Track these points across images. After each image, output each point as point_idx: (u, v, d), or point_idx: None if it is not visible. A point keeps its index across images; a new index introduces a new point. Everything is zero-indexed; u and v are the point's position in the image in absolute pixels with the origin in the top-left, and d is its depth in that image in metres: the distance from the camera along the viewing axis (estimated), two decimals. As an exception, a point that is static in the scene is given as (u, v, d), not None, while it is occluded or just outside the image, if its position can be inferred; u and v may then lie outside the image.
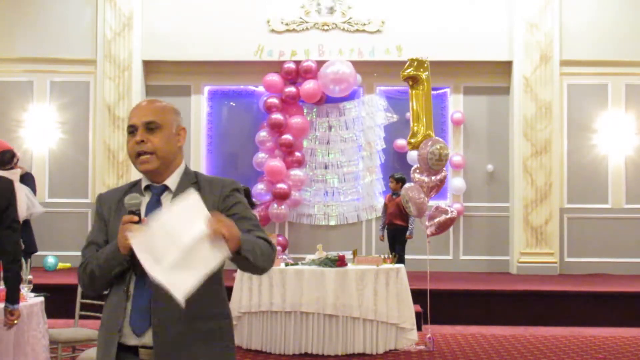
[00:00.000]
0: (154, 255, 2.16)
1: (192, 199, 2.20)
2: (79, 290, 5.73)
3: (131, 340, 2.31)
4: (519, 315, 8.60)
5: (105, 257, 2.32)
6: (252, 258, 2.24)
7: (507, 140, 11.32)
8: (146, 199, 2.42)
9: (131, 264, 2.29)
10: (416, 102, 7.67)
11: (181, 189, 2.40)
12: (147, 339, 2.29)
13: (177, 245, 2.13)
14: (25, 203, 7.86)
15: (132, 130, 2.39)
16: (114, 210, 2.41)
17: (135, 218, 2.26)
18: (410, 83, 7.72)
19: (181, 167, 2.48)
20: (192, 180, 2.45)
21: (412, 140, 7.62)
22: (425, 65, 7.63)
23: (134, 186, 2.48)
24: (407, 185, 7.56)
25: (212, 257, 2.15)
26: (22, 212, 7.67)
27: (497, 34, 11.10)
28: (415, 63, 7.67)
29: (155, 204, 2.39)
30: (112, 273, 2.32)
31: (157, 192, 2.42)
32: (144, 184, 2.45)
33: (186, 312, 2.22)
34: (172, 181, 2.43)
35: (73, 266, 10.42)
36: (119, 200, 2.42)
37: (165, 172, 2.43)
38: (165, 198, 2.41)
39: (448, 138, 11.29)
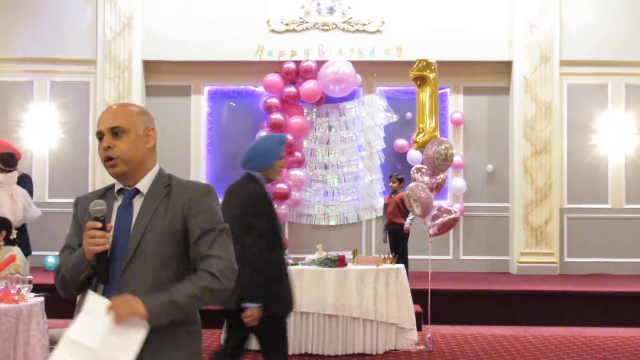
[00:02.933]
0: None
1: (90, 299, 2.26)
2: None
3: None
4: (519, 315, 8.60)
5: (74, 262, 2.34)
6: (181, 315, 2.29)
7: (507, 140, 11.32)
8: (119, 202, 2.43)
9: (95, 271, 2.32)
10: (423, 102, 7.67)
11: (153, 191, 2.42)
12: None
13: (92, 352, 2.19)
14: (23, 205, 7.88)
15: (100, 136, 2.41)
16: (87, 214, 2.39)
17: (99, 224, 2.27)
18: (418, 83, 7.74)
19: (154, 169, 2.49)
20: (164, 183, 2.45)
21: (418, 140, 7.61)
22: (433, 66, 7.66)
23: (109, 190, 2.49)
24: (412, 184, 7.50)
25: (132, 341, 2.20)
26: (19, 216, 7.70)
27: (497, 34, 11.10)
28: (424, 63, 7.70)
29: (126, 207, 2.40)
30: (80, 278, 2.34)
31: (128, 196, 2.42)
32: (116, 187, 2.47)
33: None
34: (143, 184, 2.44)
35: (73, 266, 10.40)
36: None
37: (135, 176, 2.43)
38: (137, 201, 2.41)
39: (448, 138, 11.28)
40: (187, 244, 2.38)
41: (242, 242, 3.82)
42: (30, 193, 8.60)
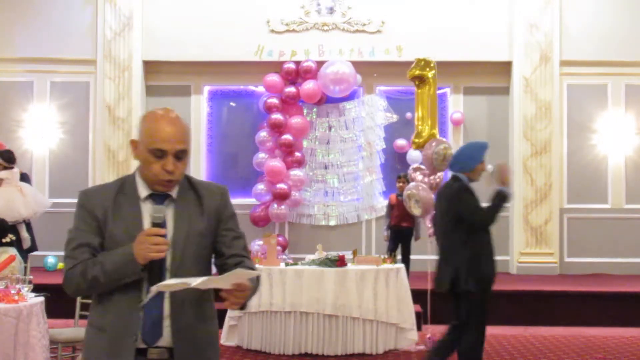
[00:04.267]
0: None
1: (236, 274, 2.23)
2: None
3: (140, 344, 2.31)
4: (519, 315, 8.60)
5: (116, 265, 2.26)
6: (247, 306, 2.39)
7: (507, 140, 11.31)
8: (148, 206, 2.38)
9: (146, 274, 2.28)
10: (422, 101, 7.66)
11: (182, 195, 2.42)
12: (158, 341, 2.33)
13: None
14: (34, 197, 7.82)
15: (160, 154, 2.32)
16: (111, 212, 2.35)
17: (163, 231, 2.25)
18: (417, 83, 7.72)
19: None
20: (187, 186, 2.45)
21: (417, 140, 7.60)
22: (432, 65, 7.64)
23: (121, 186, 2.43)
24: (411, 185, 7.48)
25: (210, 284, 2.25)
26: (33, 209, 7.64)
27: (497, 34, 11.10)
28: (422, 63, 7.67)
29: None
30: (121, 282, 2.28)
31: (160, 201, 2.39)
32: (144, 192, 2.40)
33: (198, 316, 2.35)
34: (173, 190, 2.42)
35: None
36: (114, 201, 2.38)
37: None
38: (168, 207, 2.39)
39: (448, 138, 11.26)
40: (215, 245, 2.44)
41: (453, 234, 4.96)
42: None
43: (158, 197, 2.39)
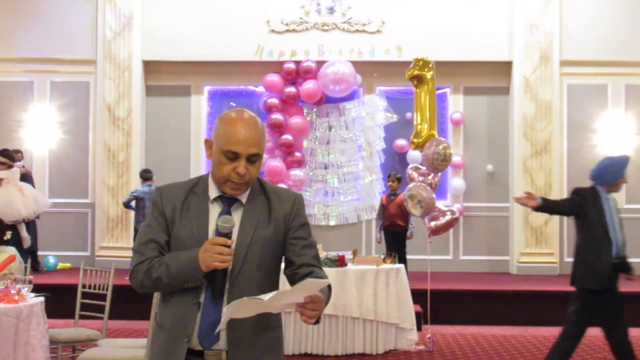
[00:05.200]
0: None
1: (309, 286, 2.15)
2: (79, 290, 5.73)
3: (197, 346, 2.33)
4: (519, 315, 8.60)
5: (180, 269, 2.28)
6: (322, 318, 2.29)
7: (507, 140, 11.32)
8: (216, 208, 2.38)
9: (208, 281, 2.29)
10: (420, 101, 7.65)
11: (252, 200, 2.40)
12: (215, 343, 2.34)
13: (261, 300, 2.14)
14: (33, 197, 7.83)
15: (233, 156, 2.31)
16: (179, 211, 2.37)
17: (229, 242, 2.25)
18: (415, 82, 7.71)
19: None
20: (259, 191, 2.43)
21: (416, 140, 7.58)
22: (430, 65, 7.63)
23: (194, 186, 2.43)
24: (412, 185, 7.45)
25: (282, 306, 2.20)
26: (33, 208, 7.64)
27: (497, 34, 11.10)
28: (421, 63, 7.66)
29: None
30: (183, 286, 2.30)
31: (228, 205, 2.38)
32: (213, 193, 2.39)
33: (257, 323, 2.30)
34: (244, 194, 2.41)
35: (73, 266, 10.42)
36: (184, 201, 2.39)
37: None
38: (236, 210, 2.39)
39: (448, 138, 11.27)
40: (282, 253, 2.43)
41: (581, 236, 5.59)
42: None
43: (227, 199, 2.38)
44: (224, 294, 2.30)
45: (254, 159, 2.33)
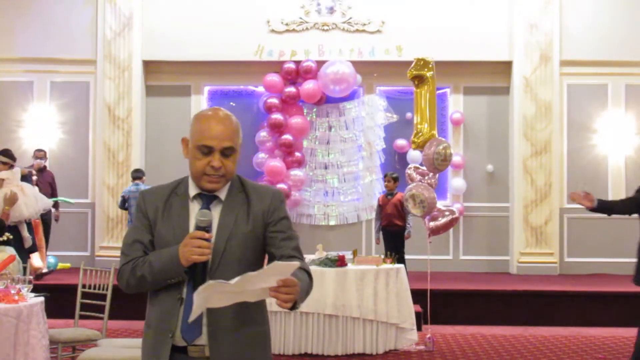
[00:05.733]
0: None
1: (280, 268, 2.14)
2: (79, 290, 5.73)
3: (181, 342, 2.37)
4: (519, 315, 8.60)
5: (162, 266, 2.33)
6: (299, 305, 2.29)
7: (507, 140, 11.32)
8: (196, 206, 2.43)
9: (190, 276, 2.33)
10: (421, 101, 7.64)
11: (231, 197, 2.45)
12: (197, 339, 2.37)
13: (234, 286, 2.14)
14: (35, 197, 7.79)
15: (207, 150, 2.37)
16: (161, 212, 2.43)
17: (207, 235, 2.29)
18: (416, 82, 7.70)
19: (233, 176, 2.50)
20: (239, 188, 2.48)
21: (416, 140, 7.56)
22: (430, 65, 7.63)
23: (176, 187, 2.48)
24: (412, 185, 7.42)
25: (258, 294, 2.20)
26: (35, 208, 7.60)
27: (497, 34, 11.10)
28: (422, 63, 7.65)
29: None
30: (166, 282, 2.35)
31: (207, 202, 2.43)
32: (193, 191, 2.45)
33: (238, 317, 2.34)
34: (222, 191, 2.45)
35: (73, 266, 10.41)
36: (166, 201, 2.45)
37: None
38: (215, 207, 2.43)
39: (448, 138, 11.27)
40: (263, 248, 2.46)
41: None
42: None
43: (206, 197, 2.44)
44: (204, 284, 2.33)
45: (228, 152, 2.39)
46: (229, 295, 2.18)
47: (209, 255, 2.30)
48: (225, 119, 2.42)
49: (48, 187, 9.87)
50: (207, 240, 2.29)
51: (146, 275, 2.35)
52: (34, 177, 9.23)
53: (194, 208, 2.43)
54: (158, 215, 2.43)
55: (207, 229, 2.32)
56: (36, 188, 8.32)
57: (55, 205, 9.94)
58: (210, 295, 2.17)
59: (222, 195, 2.44)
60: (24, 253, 7.23)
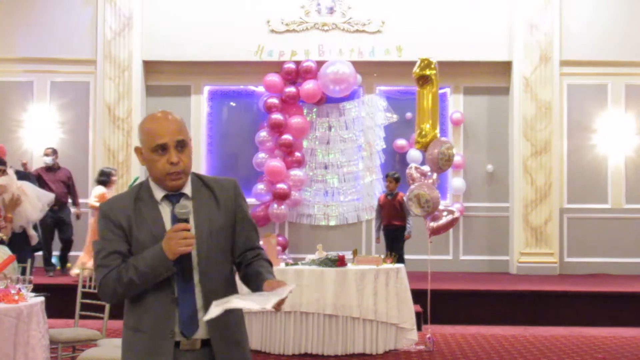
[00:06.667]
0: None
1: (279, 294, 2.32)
2: (79, 290, 5.73)
3: (178, 337, 2.43)
4: (519, 315, 8.60)
5: (149, 265, 2.36)
6: None
7: (507, 140, 11.32)
8: (165, 207, 2.47)
9: (179, 269, 2.39)
10: (425, 101, 7.62)
11: (196, 192, 2.51)
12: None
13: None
14: (37, 195, 7.72)
15: (162, 149, 2.42)
16: (134, 219, 2.44)
17: (189, 226, 2.36)
18: (421, 82, 7.67)
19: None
20: (200, 184, 2.53)
21: (421, 140, 7.51)
22: (433, 65, 7.62)
23: (138, 192, 2.50)
24: (415, 185, 7.40)
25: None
26: (39, 206, 7.53)
27: (497, 34, 11.10)
28: (426, 62, 7.63)
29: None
30: (158, 280, 2.38)
31: (176, 201, 2.48)
32: (159, 194, 2.48)
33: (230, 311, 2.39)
34: (187, 187, 2.50)
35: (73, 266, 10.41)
36: (134, 209, 2.46)
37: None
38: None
39: (448, 138, 11.26)
40: (234, 236, 2.54)
41: None
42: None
43: (174, 196, 2.48)
44: (193, 278, 2.42)
45: (181, 145, 2.43)
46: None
47: (193, 245, 2.37)
48: (168, 115, 2.49)
49: (61, 185, 9.79)
50: (189, 230, 2.35)
51: (134, 278, 2.36)
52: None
53: (165, 209, 2.47)
54: (132, 222, 2.44)
55: (187, 220, 2.38)
56: (32, 185, 8.20)
57: (75, 202, 9.96)
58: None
59: (188, 191, 2.49)
60: (30, 252, 7.20)
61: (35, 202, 7.29)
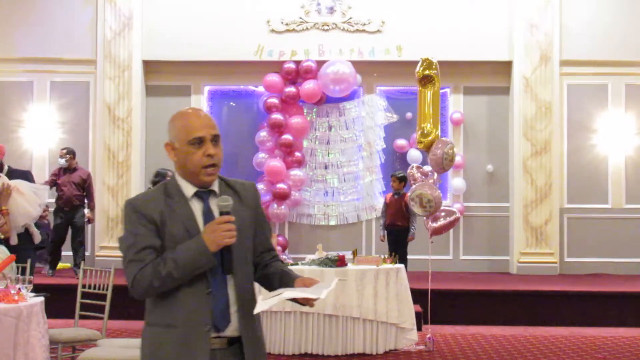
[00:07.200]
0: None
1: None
2: (79, 290, 5.73)
3: (212, 332, 2.46)
4: (519, 315, 8.60)
5: (189, 258, 2.38)
6: None
7: (507, 140, 11.31)
8: (195, 204, 2.50)
9: (221, 261, 2.43)
10: (427, 101, 7.61)
11: (222, 191, 2.55)
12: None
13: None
14: (33, 192, 7.67)
15: (198, 142, 2.45)
16: (167, 214, 2.46)
17: (233, 218, 2.42)
18: (424, 82, 7.65)
19: None
20: (224, 184, 2.58)
21: (423, 139, 7.49)
22: (434, 66, 7.62)
23: (165, 190, 2.52)
24: (417, 185, 7.40)
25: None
26: (36, 202, 7.48)
27: (497, 34, 11.10)
28: (427, 62, 7.62)
29: (209, 209, 2.51)
30: (197, 272, 2.40)
31: (206, 198, 2.52)
32: (190, 191, 2.50)
33: (253, 303, 2.49)
34: (215, 185, 2.55)
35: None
36: (165, 205, 2.48)
37: None
38: (212, 201, 2.53)
39: (448, 138, 11.26)
40: (254, 236, 2.60)
41: None
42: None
43: (204, 193, 2.52)
44: (232, 271, 2.45)
45: (216, 140, 2.49)
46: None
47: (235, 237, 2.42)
48: (201, 111, 2.57)
49: (73, 187, 9.52)
50: (232, 222, 2.41)
51: (172, 271, 2.38)
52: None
53: (196, 206, 2.50)
54: (165, 217, 2.46)
55: (230, 213, 2.42)
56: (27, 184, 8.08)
57: (89, 205, 9.73)
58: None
59: (216, 189, 2.54)
60: (32, 249, 7.18)
61: (32, 197, 7.22)
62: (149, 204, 2.48)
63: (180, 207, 2.47)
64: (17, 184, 6.91)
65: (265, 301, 2.36)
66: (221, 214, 2.42)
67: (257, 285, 2.63)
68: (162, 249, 2.44)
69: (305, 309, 6.60)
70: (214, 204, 2.50)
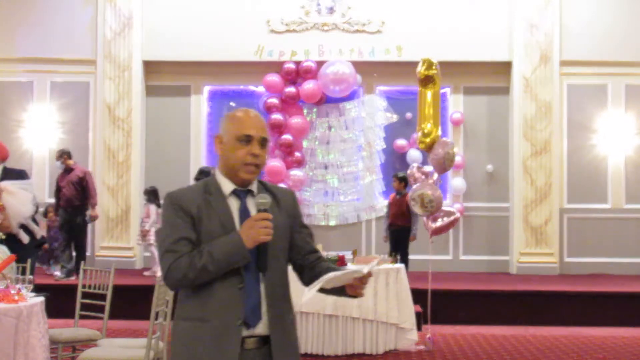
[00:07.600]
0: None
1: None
2: (79, 290, 5.73)
3: (243, 329, 2.48)
4: (519, 315, 8.60)
5: (226, 252, 2.42)
6: None
7: (507, 140, 11.32)
8: (233, 202, 2.55)
9: (256, 258, 2.46)
10: (427, 101, 7.61)
11: (260, 193, 2.59)
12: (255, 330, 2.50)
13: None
14: (22, 190, 7.62)
15: (247, 139, 2.50)
16: (204, 209, 2.50)
17: (270, 216, 2.46)
18: (425, 82, 7.65)
19: None
20: (262, 188, 2.62)
21: (425, 140, 7.49)
22: (435, 66, 7.62)
23: (206, 186, 2.56)
24: (418, 185, 7.40)
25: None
26: (29, 201, 7.44)
27: (497, 34, 11.10)
28: (428, 63, 7.61)
29: (245, 208, 2.55)
30: (231, 267, 2.44)
31: (243, 196, 2.56)
32: (228, 188, 2.55)
33: (286, 303, 2.55)
34: (253, 186, 2.59)
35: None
36: (204, 200, 2.52)
37: None
38: (249, 201, 2.57)
39: (448, 138, 11.26)
40: (293, 241, 2.65)
41: None
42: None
43: (242, 192, 2.56)
44: (266, 269, 2.48)
45: (263, 143, 2.54)
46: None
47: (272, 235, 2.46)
48: (257, 114, 2.61)
49: (72, 187, 9.42)
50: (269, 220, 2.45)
51: (208, 264, 2.41)
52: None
53: (233, 204, 2.54)
54: (202, 212, 2.49)
55: (267, 211, 2.46)
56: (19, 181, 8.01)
57: (92, 204, 9.58)
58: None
59: (254, 189, 2.59)
60: (34, 247, 7.16)
61: (23, 194, 7.17)
62: (187, 198, 2.52)
63: (218, 203, 2.52)
64: (4, 185, 6.81)
65: (310, 290, 2.41)
66: (259, 211, 2.46)
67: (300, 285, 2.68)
68: (198, 243, 2.47)
69: (305, 308, 6.62)
70: (251, 204, 2.54)
